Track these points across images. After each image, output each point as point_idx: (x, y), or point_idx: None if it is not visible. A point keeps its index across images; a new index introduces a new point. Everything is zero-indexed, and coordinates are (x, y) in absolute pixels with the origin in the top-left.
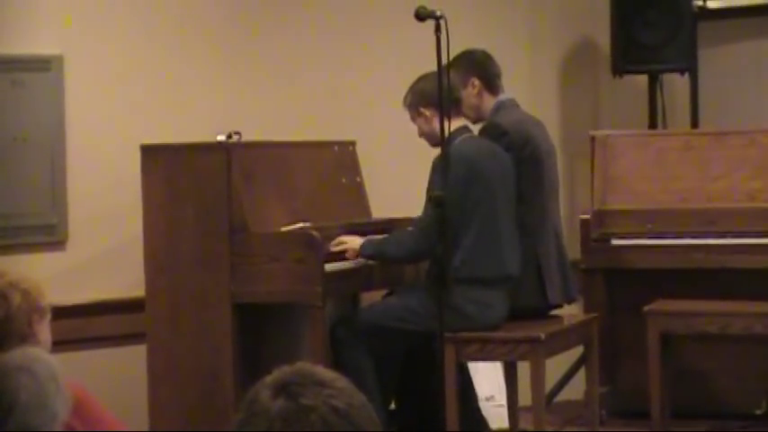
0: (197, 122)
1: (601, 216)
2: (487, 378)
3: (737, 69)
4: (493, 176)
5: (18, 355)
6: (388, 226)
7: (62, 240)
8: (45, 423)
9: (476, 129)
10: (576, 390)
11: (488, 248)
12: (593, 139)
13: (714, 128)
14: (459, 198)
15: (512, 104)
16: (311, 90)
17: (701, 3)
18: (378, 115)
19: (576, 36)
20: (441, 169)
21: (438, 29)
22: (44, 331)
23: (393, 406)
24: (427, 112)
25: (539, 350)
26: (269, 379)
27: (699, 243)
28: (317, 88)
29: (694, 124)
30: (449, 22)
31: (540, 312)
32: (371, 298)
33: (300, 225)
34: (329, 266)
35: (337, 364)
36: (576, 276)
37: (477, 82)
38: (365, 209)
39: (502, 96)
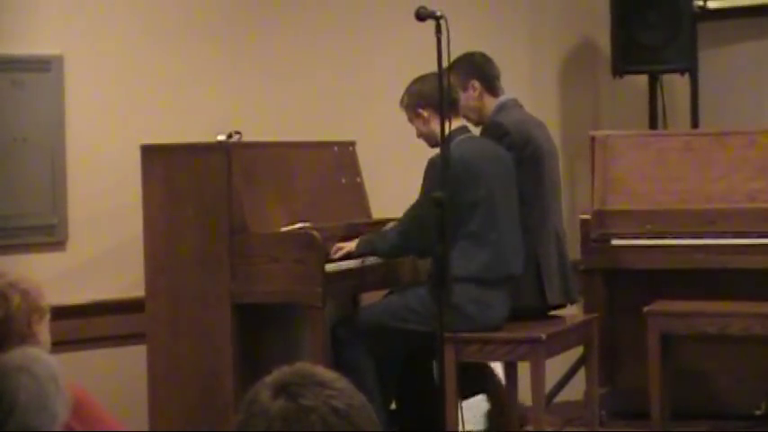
0: (197, 122)
1: (601, 216)
2: None
3: (738, 70)
4: (492, 176)
5: (18, 355)
6: (388, 226)
7: (62, 241)
8: (45, 424)
9: (477, 131)
10: (575, 390)
11: (487, 248)
12: (593, 139)
13: (714, 128)
14: (456, 198)
15: (514, 105)
16: (311, 90)
17: (701, 3)
18: (378, 115)
19: (577, 36)
20: (440, 169)
21: (438, 29)
22: (44, 331)
23: (393, 406)
24: (425, 113)
25: (539, 350)
26: (269, 379)
27: (699, 243)
28: (317, 88)
29: (694, 125)
30: (449, 23)
31: (540, 312)
32: (371, 298)
33: (300, 225)
34: (329, 267)
35: (338, 363)
36: (576, 277)
37: (477, 84)
38: (365, 209)
39: (503, 97)
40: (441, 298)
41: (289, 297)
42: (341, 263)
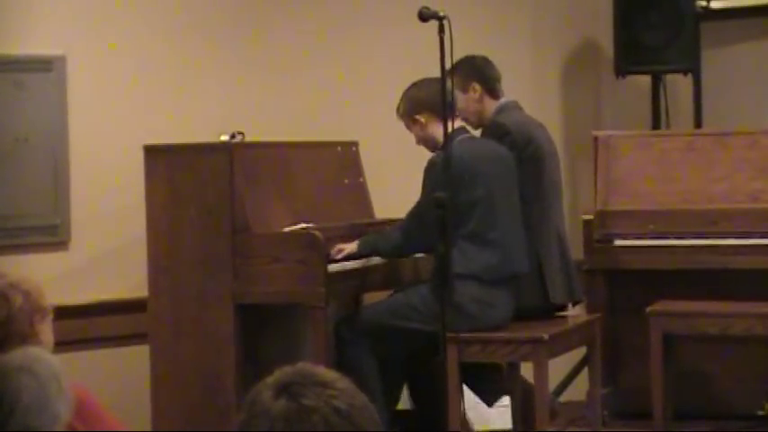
0: (200, 123)
1: (603, 217)
2: None
3: (740, 70)
4: (492, 176)
5: (19, 355)
6: (390, 226)
7: (64, 241)
8: (47, 424)
9: (477, 134)
10: (578, 390)
11: (489, 248)
12: (595, 139)
13: (717, 129)
14: (456, 198)
15: (514, 106)
16: (314, 91)
17: (703, 3)
18: (380, 116)
19: (579, 37)
20: (440, 170)
21: (441, 29)
22: (46, 332)
23: (408, 405)
24: (422, 119)
25: (541, 351)
26: (270, 379)
27: (701, 244)
28: (320, 89)
29: (697, 125)
30: (452, 23)
31: (544, 312)
32: (374, 299)
33: (303, 226)
34: (331, 267)
35: (340, 363)
36: (580, 278)
37: (477, 86)
38: (368, 209)
39: (503, 100)
40: (442, 297)
41: (291, 297)
42: (344, 263)
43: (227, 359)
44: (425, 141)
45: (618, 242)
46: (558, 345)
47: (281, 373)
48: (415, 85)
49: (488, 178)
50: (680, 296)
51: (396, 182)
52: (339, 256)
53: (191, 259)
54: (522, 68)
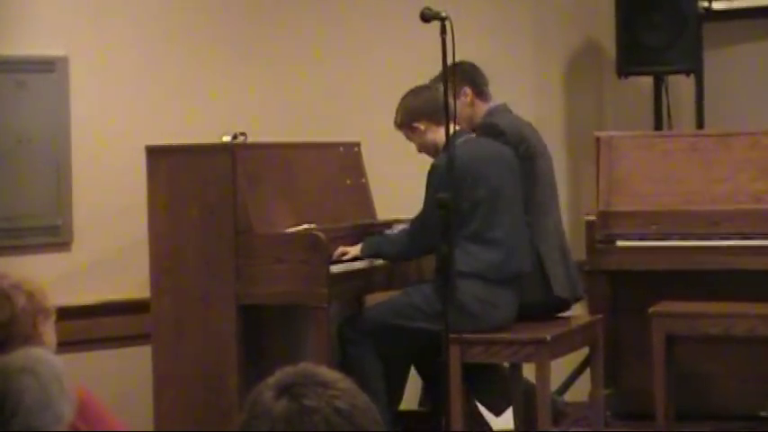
0: (202, 123)
1: (605, 217)
2: None
3: (743, 71)
4: (494, 176)
5: (22, 356)
6: (392, 227)
7: (67, 241)
8: (49, 424)
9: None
10: (580, 391)
11: (493, 247)
12: (597, 140)
13: (719, 129)
14: (459, 199)
15: (504, 109)
16: (316, 91)
17: (706, 4)
18: (382, 116)
19: (581, 38)
20: (443, 172)
21: (443, 30)
22: (49, 332)
23: (408, 406)
24: (421, 126)
25: (544, 352)
26: (271, 380)
27: (703, 245)
28: (321, 89)
29: (699, 126)
30: (454, 24)
31: (547, 309)
32: (376, 299)
33: (305, 226)
34: (334, 268)
35: (344, 363)
36: (580, 274)
37: (468, 91)
38: (370, 210)
39: (492, 103)
40: (445, 297)
41: (293, 298)
42: (346, 264)
43: (229, 359)
44: (426, 148)
45: (620, 243)
46: (561, 346)
47: (282, 374)
48: (409, 93)
49: (491, 179)
50: (682, 297)
51: (398, 182)
52: (343, 259)
53: (193, 260)
54: (524, 69)
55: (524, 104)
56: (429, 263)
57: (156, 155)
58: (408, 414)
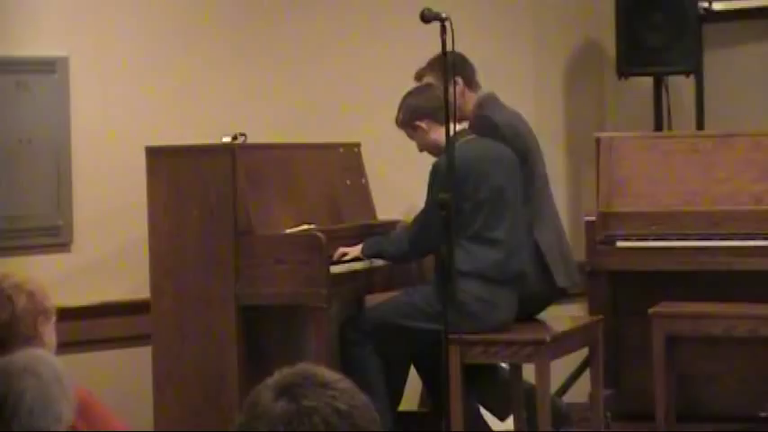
0: (202, 124)
1: (606, 218)
2: None
3: (743, 71)
4: (496, 177)
5: (22, 356)
6: (392, 228)
7: (67, 242)
8: (50, 425)
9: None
10: (580, 392)
11: (495, 247)
12: (598, 140)
13: (719, 130)
14: (461, 199)
15: (494, 98)
16: (316, 92)
17: (706, 5)
18: (383, 117)
19: (581, 38)
20: (444, 172)
21: (443, 31)
22: (49, 333)
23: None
24: (423, 125)
25: (543, 352)
26: (270, 381)
27: (704, 245)
28: (322, 90)
29: (699, 126)
30: (454, 25)
31: (547, 300)
32: (376, 300)
33: (305, 227)
34: (334, 269)
35: (345, 364)
36: (575, 262)
37: (459, 81)
38: (370, 210)
39: (481, 93)
40: (445, 298)
41: (294, 298)
42: (346, 265)
43: (229, 360)
44: (428, 147)
45: (620, 243)
46: (561, 346)
47: (281, 375)
48: (411, 93)
49: (494, 179)
50: (682, 297)
51: (398, 183)
52: (343, 260)
53: (193, 260)
54: (524, 70)
55: (524, 105)
56: (430, 263)
57: (156, 155)
58: (408, 415)
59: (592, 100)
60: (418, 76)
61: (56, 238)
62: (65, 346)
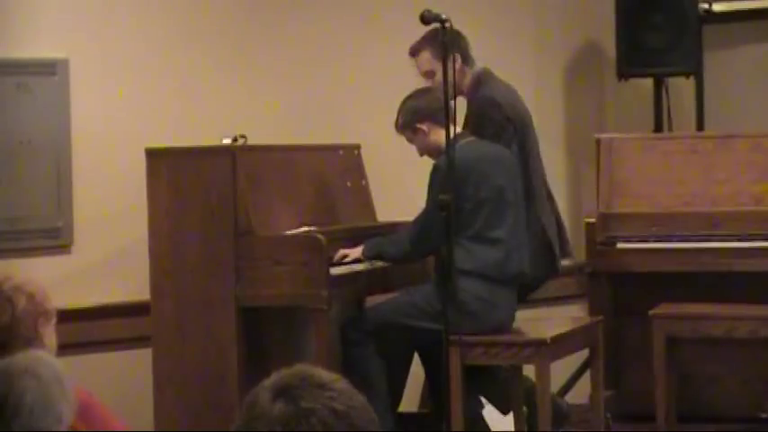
0: (202, 126)
1: (606, 219)
2: None
3: (743, 73)
4: (496, 177)
5: (23, 358)
6: (393, 230)
7: (67, 244)
8: (50, 425)
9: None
10: (581, 393)
11: (496, 246)
12: (598, 142)
13: (719, 131)
14: (461, 200)
15: (490, 75)
16: (316, 94)
17: (706, 6)
18: (383, 119)
19: (582, 40)
20: (445, 173)
21: (443, 34)
22: (49, 335)
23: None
24: (424, 127)
25: (544, 353)
26: (268, 382)
27: (704, 246)
28: (322, 92)
29: (700, 127)
30: (454, 26)
31: (548, 277)
32: (376, 302)
33: (305, 228)
34: (334, 270)
35: (347, 364)
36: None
37: (458, 57)
38: (370, 212)
39: (477, 68)
40: (445, 299)
41: (294, 300)
42: (346, 267)
43: (230, 361)
44: (429, 150)
45: (621, 245)
46: (561, 347)
47: (278, 376)
48: (410, 96)
49: (494, 179)
50: (683, 299)
51: (398, 185)
52: (345, 261)
53: (193, 262)
54: (524, 71)
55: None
56: (430, 263)
57: (156, 157)
58: (408, 415)
59: (592, 101)
60: (413, 51)
61: (56, 239)
62: (65, 348)
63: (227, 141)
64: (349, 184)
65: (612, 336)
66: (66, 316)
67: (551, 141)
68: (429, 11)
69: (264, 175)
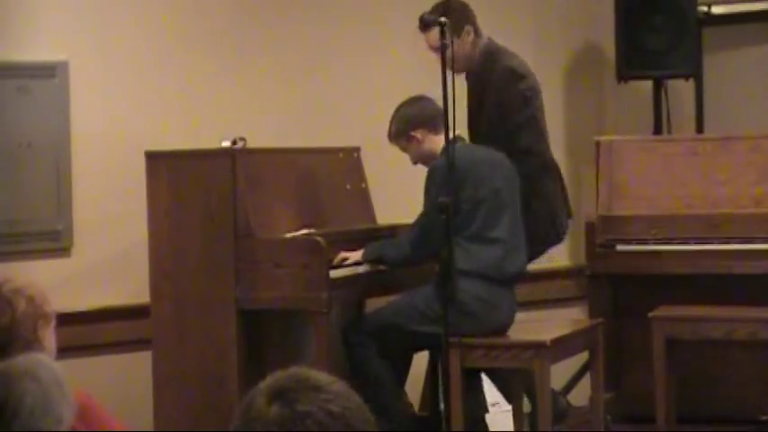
0: (202, 128)
1: (606, 221)
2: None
3: (742, 75)
4: (491, 178)
5: (22, 360)
6: (392, 232)
7: (67, 247)
8: (50, 428)
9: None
10: (581, 395)
11: (493, 246)
12: (598, 144)
13: (719, 133)
14: (458, 201)
15: (497, 46)
16: (316, 96)
17: (705, 8)
18: (382, 121)
19: (581, 42)
20: (443, 175)
21: (443, 35)
22: (49, 338)
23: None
24: (418, 135)
25: (544, 356)
26: (263, 385)
27: (704, 248)
28: (321, 94)
29: (699, 130)
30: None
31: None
32: (376, 304)
33: (305, 231)
34: (334, 273)
35: (351, 368)
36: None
37: (470, 29)
38: (370, 215)
39: (484, 41)
40: (445, 300)
41: (293, 303)
42: (346, 269)
43: (229, 364)
44: (423, 158)
45: (620, 247)
46: (561, 350)
47: (273, 379)
48: (402, 105)
49: (491, 180)
50: (683, 301)
51: (398, 187)
52: (345, 264)
53: (193, 265)
54: None
55: None
56: (430, 265)
57: (156, 160)
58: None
59: (592, 103)
60: (425, 25)
61: (56, 242)
62: (65, 351)
63: (226, 144)
64: (348, 186)
65: (612, 338)
66: (65, 319)
67: (551, 143)
68: (429, 13)
69: (264, 178)
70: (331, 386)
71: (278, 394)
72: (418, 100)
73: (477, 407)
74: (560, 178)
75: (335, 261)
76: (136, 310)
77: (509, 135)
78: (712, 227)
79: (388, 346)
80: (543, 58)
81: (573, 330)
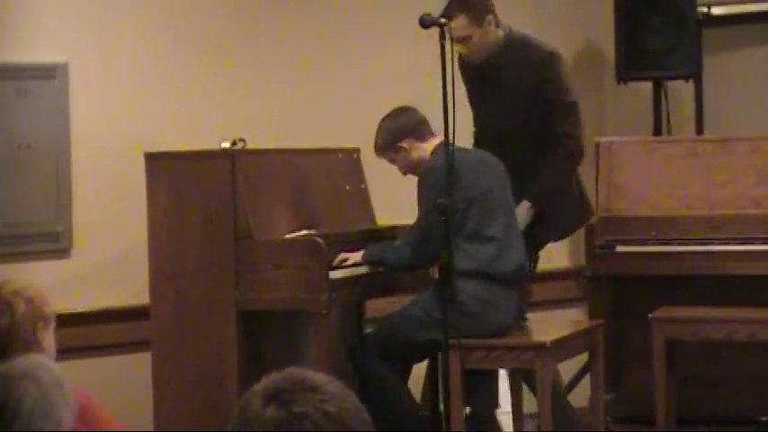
0: (202, 129)
1: (605, 223)
2: None
3: (742, 76)
4: (483, 178)
5: (22, 362)
6: (392, 233)
7: (66, 248)
8: (50, 428)
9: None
10: (581, 396)
11: (490, 243)
12: (597, 145)
13: (719, 134)
14: (454, 201)
15: (521, 32)
16: (316, 97)
17: (705, 9)
18: None
19: (581, 43)
20: (440, 174)
21: (443, 36)
22: (48, 339)
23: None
24: (405, 145)
25: (544, 357)
26: (258, 387)
27: (704, 250)
28: (321, 95)
29: (699, 131)
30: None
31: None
32: (376, 305)
33: (305, 232)
34: (334, 274)
35: (363, 385)
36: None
37: (492, 19)
38: (370, 216)
39: (505, 27)
40: (445, 302)
41: (293, 304)
42: (345, 270)
43: (229, 366)
44: (411, 168)
45: (620, 248)
46: (561, 351)
47: (268, 380)
48: (385, 119)
49: (481, 181)
50: (683, 302)
51: (397, 188)
52: (344, 265)
53: (193, 266)
54: None
55: None
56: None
57: (155, 161)
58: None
59: (591, 104)
60: (448, 15)
61: (55, 243)
62: (65, 352)
63: (226, 145)
64: (348, 187)
65: (612, 339)
66: (65, 320)
67: None
68: (428, 14)
69: (264, 179)
70: (327, 387)
71: (274, 396)
72: (401, 111)
73: (487, 403)
74: None
75: (335, 262)
76: (135, 312)
77: (559, 116)
78: (712, 228)
79: (400, 360)
80: None
81: (573, 331)
